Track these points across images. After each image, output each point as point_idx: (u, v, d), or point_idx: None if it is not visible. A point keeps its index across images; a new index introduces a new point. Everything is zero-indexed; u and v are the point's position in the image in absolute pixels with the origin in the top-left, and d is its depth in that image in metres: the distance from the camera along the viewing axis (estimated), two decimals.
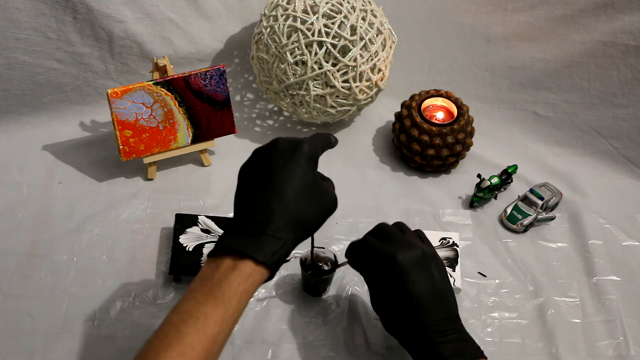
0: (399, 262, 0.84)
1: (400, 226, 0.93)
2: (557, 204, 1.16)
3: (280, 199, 0.76)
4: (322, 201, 0.80)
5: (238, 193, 0.80)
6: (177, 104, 1.11)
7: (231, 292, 0.72)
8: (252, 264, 0.73)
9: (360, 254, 0.90)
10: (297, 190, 0.77)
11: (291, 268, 1.04)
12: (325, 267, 1.00)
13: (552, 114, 1.27)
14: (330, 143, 0.86)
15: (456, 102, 1.19)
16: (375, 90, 1.18)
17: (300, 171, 0.78)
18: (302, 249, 1.01)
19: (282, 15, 1.12)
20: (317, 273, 0.99)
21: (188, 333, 0.69)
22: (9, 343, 0.93)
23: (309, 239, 0.95)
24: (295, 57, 1.12)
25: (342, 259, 1.00)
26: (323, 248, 1.00)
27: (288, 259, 1.04)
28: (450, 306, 0.85)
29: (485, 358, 0.82)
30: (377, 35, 1.14)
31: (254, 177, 0.79)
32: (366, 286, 1.02)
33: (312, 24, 1.10)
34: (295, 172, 0.78)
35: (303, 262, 0.99)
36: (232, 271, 0.73)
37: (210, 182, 1.16)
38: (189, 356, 0.68)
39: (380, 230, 0.91)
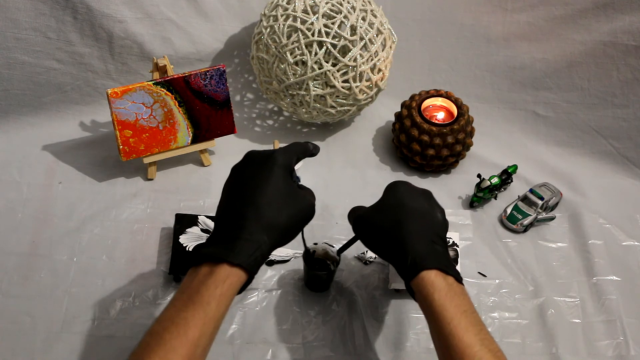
0: (401, 182, 0.90)
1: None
2: (557, 204, 1.16)
3: (252, 204, 0.79)
4: (297, 206, 0.82)
5: (217, 208, 0.83)
6: (177, 104, 1.11)
7: (209, 296, 0.74)
8: (228, 267, 0.75)
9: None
10: (269, 195, 0.79)
11: (291, 268, 1.04)
12: (331, 266, 1.00)
13: (552, 114, 1.27)
14: (308, 151, 0.88)
15: (456, 102, 1.19)
16: (375, 90, 1.18)
17: (272, 178, 0.80)
18: (301, 249, 1.01)
19: (282, 15, 1.12)
20: (319, 268, 0.99)
21: (170, 339, 0.71)
22: (9, 343, 0.93)
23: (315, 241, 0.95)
24: (295, 57, 1.12)
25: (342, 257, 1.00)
26: (332, 246, 1.00)
27: (288, 259, 1.05)
28: (436, 227, 0.86)
29: (462, 283, 0.83)
30: (377, 35, 1.14)
31: (230, 191, 0.83)
32: (366, 286, 1.03)
33: (312, 24, 1.10)
34: (267, 179, 0.80)
35: (307, 257, 0.99)
36: (209, 276, 0.75)
37: (210, 182, 1.16)
38: None
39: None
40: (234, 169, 0.85)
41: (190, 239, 1.03)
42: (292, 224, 0.82)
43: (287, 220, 0.80)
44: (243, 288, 0.78)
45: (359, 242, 0.93)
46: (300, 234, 0.86)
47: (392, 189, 0.90)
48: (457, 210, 1.15)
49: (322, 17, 1.11)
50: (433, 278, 0.79)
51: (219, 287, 0.74)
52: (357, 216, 0.91)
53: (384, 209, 0.88)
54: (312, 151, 0.88)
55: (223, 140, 1.19)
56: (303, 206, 0.83)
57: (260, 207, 0.78)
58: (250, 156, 0.84)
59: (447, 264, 0.82)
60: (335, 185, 1.16)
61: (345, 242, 0.97)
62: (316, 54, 1.11)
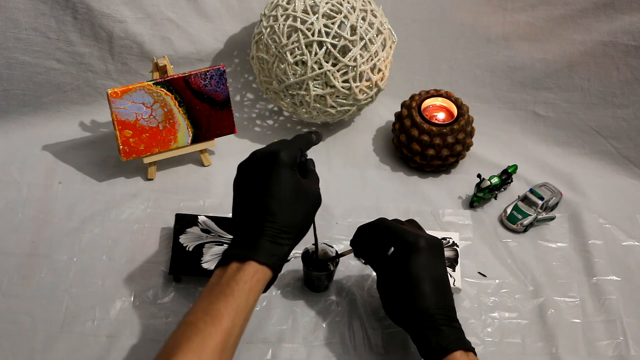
0: (423, 244, 0.87)
1: (398, 220, 0.96)
2: (557, 204, 1.16)
3: (270, 212, 0.83)
4: (307, 201, 0.86)
5: (233, 208, 0.88)
6: (177, 104, 1.11)
7: (239, 290, 0.79)
8: (255, 264, 0.81)
9: (375, 234, 0.92)
10: (283, 199, 0.83)
11: (291, 268, 1.04)
12: (331, 266, 1.00)
13: (552, 114, 1.27)
14: (311, 142, 0.91)
15: (456, 102, 1.19)
16: (375, 90, 1.18)
17: (281, 180, 0.84)
18: (300, 248, 1.01)
19: (282, 15, 1.12)
20: (318, 269, 0.99)
21: (205, 327, 0.75)
22: (9, 343, 0.93)
23: (313, 237, 0.96)
24: (295, 57, 1.12)
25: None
26: (332, 247, 1.00)
27: (288, 258, 1.05)
28: (450, 296, 0.89)
29: (472, 350, 0.85)
30: (377, 35, 1.14)
31: (243, 192, 0.87)
32: (366, 286, 1.03)
33: (312, 24, 1.10)
34: (278, 183, 0.83)
35: (305, 258, 0.99)
36: (237, 273, 0.80)
37: (210, 182, 1.16)
38: (209, 346, 0.74)
39: (385, 221, 0.93)
40: (241, 168, 0.87)
41: (190, 239, 1.03)
42: (306, 220, 0.86)
43: (301, 217, 0.85)
44: (268, 287, 0.83)
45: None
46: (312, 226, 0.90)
47: (415, 247, 0.87)
48: (457, 210, 1.15)
49: (322, 17, 1.11)
50: (458, 358, 0.82)
51: (247, 283, 0.79)
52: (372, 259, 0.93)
53: (402, 272, 0.87)
54: (315, 141, 0.91)
55: (223, 140, 1.19)
56: (312, 199, 0.87)
57: (276, 212, 0.82)
58: (256, 156, 0.86)
59: (466, 340, 0.85)
60: (335, 185, 1.16)
61: (345, 248, 0.98)
62: (316, 54, 1.11)
